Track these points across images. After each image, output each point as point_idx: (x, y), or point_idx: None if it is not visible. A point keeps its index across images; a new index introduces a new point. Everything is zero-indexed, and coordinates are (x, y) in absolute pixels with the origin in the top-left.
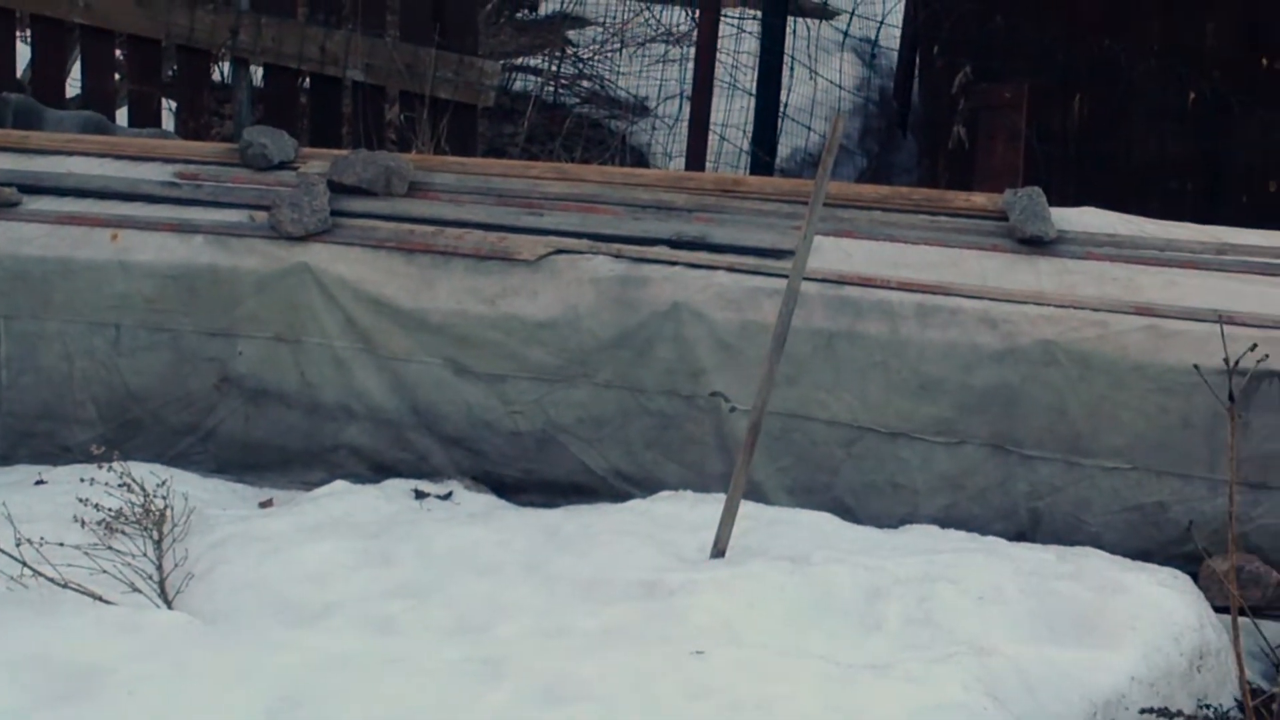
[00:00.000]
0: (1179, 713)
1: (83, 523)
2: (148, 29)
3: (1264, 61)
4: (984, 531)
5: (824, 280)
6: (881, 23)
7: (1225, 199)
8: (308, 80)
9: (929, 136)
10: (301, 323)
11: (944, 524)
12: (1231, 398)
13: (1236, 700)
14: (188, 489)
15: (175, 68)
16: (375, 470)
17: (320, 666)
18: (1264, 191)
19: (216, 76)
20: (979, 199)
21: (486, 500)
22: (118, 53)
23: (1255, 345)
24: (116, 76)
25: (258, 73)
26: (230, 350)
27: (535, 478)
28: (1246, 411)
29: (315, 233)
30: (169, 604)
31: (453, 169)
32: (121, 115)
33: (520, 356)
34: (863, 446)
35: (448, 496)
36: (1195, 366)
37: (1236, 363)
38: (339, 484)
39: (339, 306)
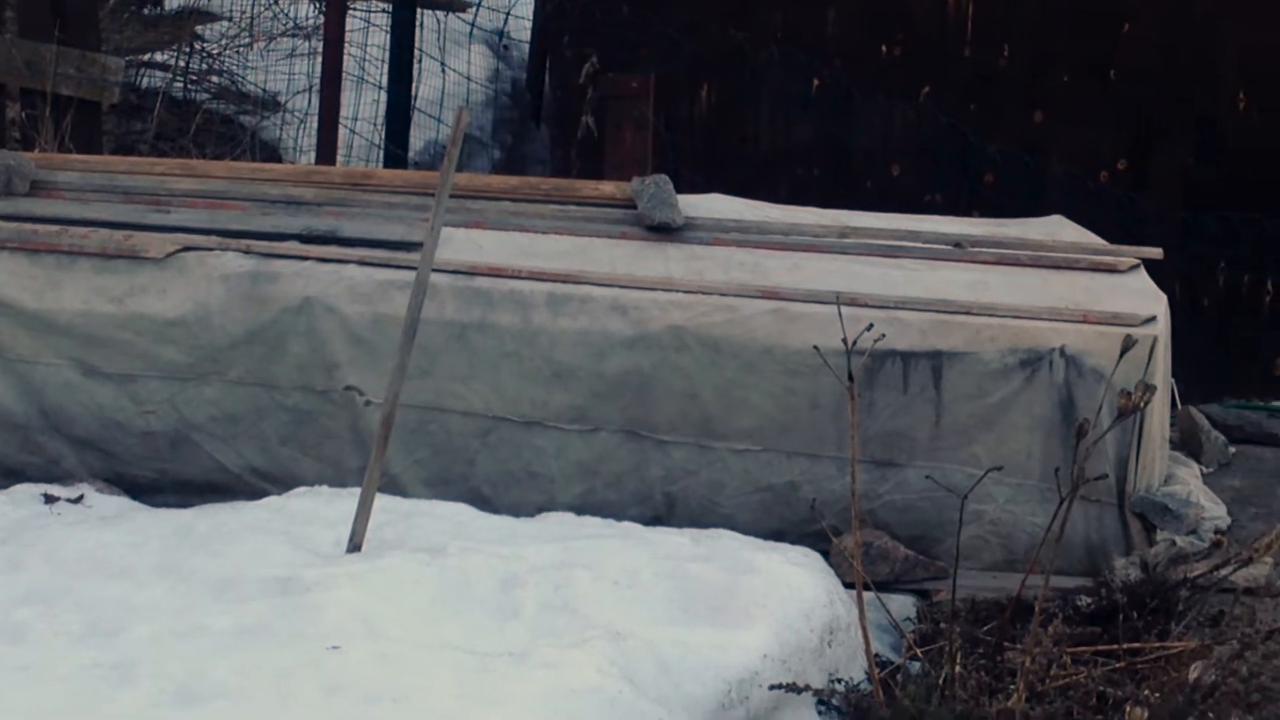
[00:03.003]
0: (807, 686)
1: None
2: None
3: (884, 49)
4: (620, 517)
5: (455, 272)
6: (509, 14)
7: (850, 183)
8: None
9: (560, 127)
10: None
11: (581, 511)
12: (851, 377)
13: (866, 673)
14: None
15: None
16: (3, 475)
17: None
18: (887, 175)
19: None
20: (607, 187)
21: (119, 502)
22: None
23: (872, 325)
24: None
25: None
26: None
27: (170, 478)
28: (870, 391)
29: None
30: None
31: (77, 167)
32: None
33: (151, 355)
34: (498, 436)
35: (79, 499)
36: (815, 348)
37: (854, 342)
38: None
39: None
